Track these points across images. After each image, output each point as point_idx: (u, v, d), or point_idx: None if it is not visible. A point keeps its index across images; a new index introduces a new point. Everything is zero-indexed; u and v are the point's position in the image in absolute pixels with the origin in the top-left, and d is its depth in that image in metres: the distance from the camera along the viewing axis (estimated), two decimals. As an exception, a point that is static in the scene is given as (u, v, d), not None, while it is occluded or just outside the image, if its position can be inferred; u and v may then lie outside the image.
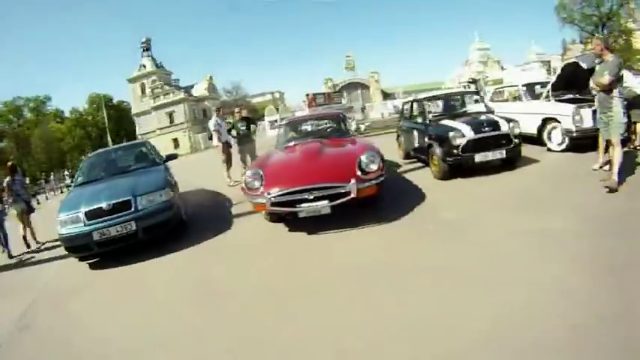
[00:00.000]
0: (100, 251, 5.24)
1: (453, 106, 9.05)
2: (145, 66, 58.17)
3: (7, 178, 7.79)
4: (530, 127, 7.76)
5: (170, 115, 56.87)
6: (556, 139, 7.48)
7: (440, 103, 9.77)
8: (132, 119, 60.45)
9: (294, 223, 5.21)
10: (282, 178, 4.89)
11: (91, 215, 5.12)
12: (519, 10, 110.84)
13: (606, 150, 5.93)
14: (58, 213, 5.29)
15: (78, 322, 3.92)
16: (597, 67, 5.21)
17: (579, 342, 2.30)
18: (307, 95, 40.48)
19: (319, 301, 3.32)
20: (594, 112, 6.31)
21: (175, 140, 54.82)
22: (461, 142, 6.22)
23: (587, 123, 6.83)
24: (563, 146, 7.33)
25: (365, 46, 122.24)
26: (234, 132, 9.61)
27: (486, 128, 6.34)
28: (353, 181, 4.56)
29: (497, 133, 6.27)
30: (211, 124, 9.77)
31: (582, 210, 4.36)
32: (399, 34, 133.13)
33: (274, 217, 5.49)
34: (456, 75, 58.32)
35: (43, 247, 7.61)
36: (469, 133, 6.26)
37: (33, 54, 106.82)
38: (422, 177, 7.03)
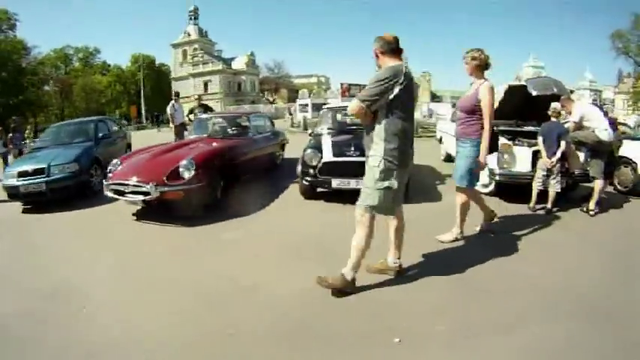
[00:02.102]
0: (26, 200, 6.90)
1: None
2: (189, 33, 59.17)
3: (10, 134, 12.78)
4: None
5: (206, 84, 57.75)
6: (482, 178, 6.32)
7: None
8: (170, 82, 61.35)
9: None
10: (120, 171, 5.58)
11: (19, 174, 6.75)
12: (579, 34, 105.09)
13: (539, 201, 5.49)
14: (5, 169, 7.69)
15: None
16: None
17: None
18: (342, 85, 39.61)
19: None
20: (536, 153, 5.74)
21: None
22: (316, 163, 5.67)
23: (522, 166, 5.94)
24: (489, 188, 6.33)
25: (422, 45, 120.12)
26: (191, 116, 10.29)
27: (352, 152, 5.61)
28: (151, 184, 4.95)
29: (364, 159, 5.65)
30: (169, 107, 11.07)
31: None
32: (458, 37, 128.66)
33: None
34: (502, 88, 55.73)
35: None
36: (327, 155, 5.70)
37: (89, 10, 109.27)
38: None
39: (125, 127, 13.32)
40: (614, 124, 5.88)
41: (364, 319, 2.87)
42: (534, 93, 6.20)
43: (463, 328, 2.78)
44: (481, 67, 4.03)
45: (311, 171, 5.69)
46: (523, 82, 6.55)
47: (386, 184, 2.92)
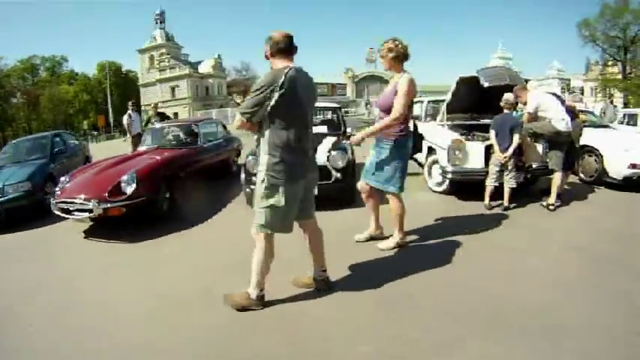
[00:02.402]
0: None
1: (330, 120, 7.67)
2: (155, 38, 57.99)
3: None
4: (423, 158, 6.55)
5: (173, 89, 56.85)
6: (436, 177, 6.14)
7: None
8: (139, 89, 60.12)
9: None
10: (67, 188, 5.37)
11: (-24, 193, 6.30)
12: (547, 23, 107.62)
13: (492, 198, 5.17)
14: None
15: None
16: None
17: None
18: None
19: None
20: (489, 148, 5.36)
21: (176, 115, 54.33)
22: (256, 170, 5.18)
23: (475, 162, 5.57)
24: (443, 187, 6.01)
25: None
26: (149, 125, 9.61)
27: None
28: (93, 201, 4.84)
29: None
30: (125, 117, 10.58)
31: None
32: (426, 32, 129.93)
33: None
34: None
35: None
36: None
37: (52, 18, 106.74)
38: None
39: (96, 138, 12.61)
40: (573, 112, 5.48)
41: (282, 338, 2.66)
42: (486, 84, 5.78)
43: (391, 349, 2.50)
44: (399, 58, 3.65)
45: (253, 178, 5.20)
46: (474, 74, 6.06)
47: (271, 201, 2.68)
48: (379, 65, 39.96)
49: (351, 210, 5.29)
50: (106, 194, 4.95)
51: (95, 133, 48.09)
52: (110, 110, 47.17)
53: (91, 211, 4.88)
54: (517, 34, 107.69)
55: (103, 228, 5.33)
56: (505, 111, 5.30)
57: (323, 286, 3.15)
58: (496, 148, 5.20)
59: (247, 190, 5.50)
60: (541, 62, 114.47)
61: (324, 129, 6.62)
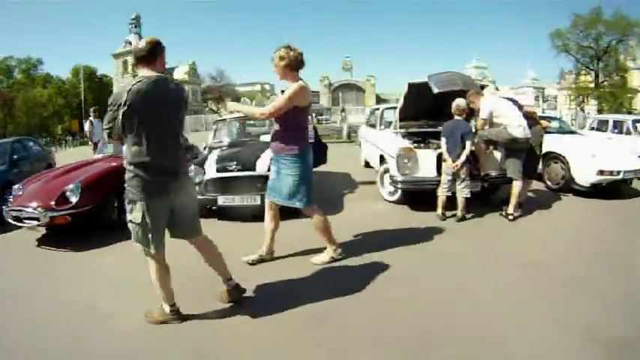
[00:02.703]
0: None
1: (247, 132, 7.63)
2: (130, 43, 56.92)
3: None
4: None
5: (147, 94, 55.68)
6: (388, 186, 5.82)
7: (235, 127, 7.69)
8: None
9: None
10: (19, 196, 5.30)
11: None
12: (522, 32, 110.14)
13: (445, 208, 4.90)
14: None
15: None
16: None
17: None
18: (282, 91, 38.50)
19: None
20: (441, 155, 5.02)
21: (150, 121, 53.56)
22: (200, 179, 5.20)
23: (426, 171, 5.24)
24: (396, 196, 5.68)
25: (365, 50, 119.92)
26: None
27: (234, 166, 5.16)
28: (39, 209, 4.87)
29: (248, 173, 5.08)
30: (87, 124, 10.74)
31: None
32: (400, 41, 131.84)
33: None
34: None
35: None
36: (210, 171, 5.23)
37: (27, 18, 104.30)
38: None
39: (71, 143, 12.15)
40: (533, 119, 5.21)
41: (187, 354, 2.54)
42: (436, 90, 5.44)
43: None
44: (292, 66, 3.41)
45: (197, 188, 5.15)
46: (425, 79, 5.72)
47: (129, 216, 2.61)
48: (356, 74, 40.02)
49: (299, 220, 4.90)
50: (53, 203, 4.98)
51: (70, 138, 46.81)
52: (84, 115, 46.09)
53: (38, 219, 4.92)
54: (492, 43, 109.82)
55: (57, 236, 5.25)
56: (456, 117, 4.95)
57: (236, 295, 3.03)
58: (446, 156, 4.87)
59: None
60: (516, 71, 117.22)
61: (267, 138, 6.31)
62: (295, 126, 3.44)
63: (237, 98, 50.70)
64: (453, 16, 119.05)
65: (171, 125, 2.65)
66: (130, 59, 56.55)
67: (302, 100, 3.38)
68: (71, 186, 5.16)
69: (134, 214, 2.57)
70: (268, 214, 3.75)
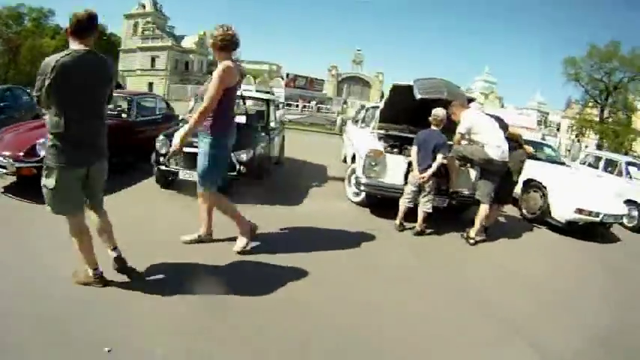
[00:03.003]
0: None
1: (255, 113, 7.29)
2: (144, 5, 56.61)
3: None
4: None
5: (153, 59, 55.61)
6: (353, 186, 5.58)
7: None
8: (119, 54, 58.33)
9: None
10: None
11: None
12: (536, 56, 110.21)
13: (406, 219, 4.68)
14: None
15: None
16: None
17: None
18: (287, 75, 38.05)
19: None
20: (409, 164, 4.81)
21: (151, 85, 53.11)
22: (165, 151, 5.13)
23: (393, 177, 5.00)
24: (360, 198, 5.46)
25: (377, 47, 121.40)
26: None
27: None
28: (8, 158, 4.91)
29: None
30: None
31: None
32: (414, 43, 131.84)
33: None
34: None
35: None
36: (175, 143, 4.74)
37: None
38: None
39: None
40: (516, 141, 4.87)
41: (90, 322, 2.54)
42: (419, 96, 5.16)
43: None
44: (220, 47, 3.33)
45: (161, 159, 5.30)
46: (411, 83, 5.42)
47: (43, 182, 2.70)
48: (365, 67, 39.43)
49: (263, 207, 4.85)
50: (22, 154, 5.05)
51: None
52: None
53: (6, 167, 4.99)
54: (506, 61, 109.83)
55: (25, 186, 5.10)
56: (432, 127, 4.67)
57: (117, 266, 3.04)
58: (415, 165, 4.62)
59: (156, 169, 5.47)
60: (524, 93, 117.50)
61: (242, 120, 6.03)
62: (218, 106, 3.32)
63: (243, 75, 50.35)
64: (472, 32, 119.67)
65: (96, 101, 2.72)
66: (142, 22, 56.12)
67: (230, 80, 3.30)
68: (42, 140, 5.10)
69: (48, 180, 2.66)
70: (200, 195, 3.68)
